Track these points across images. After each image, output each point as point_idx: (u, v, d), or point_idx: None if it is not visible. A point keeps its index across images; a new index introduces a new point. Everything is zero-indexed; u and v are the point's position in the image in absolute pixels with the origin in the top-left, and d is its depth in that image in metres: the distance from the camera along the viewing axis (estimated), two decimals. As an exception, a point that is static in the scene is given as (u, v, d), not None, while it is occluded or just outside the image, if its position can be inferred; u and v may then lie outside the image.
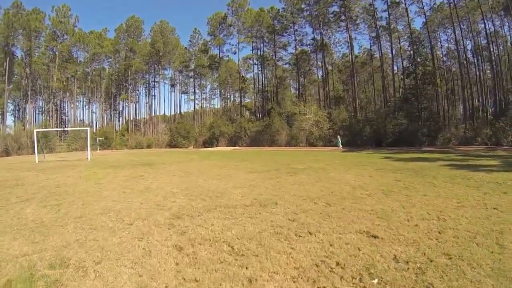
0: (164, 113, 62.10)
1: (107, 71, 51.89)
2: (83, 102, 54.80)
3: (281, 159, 14.40)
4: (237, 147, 32.91)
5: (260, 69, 46.19)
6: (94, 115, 55.30)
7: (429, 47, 30.78)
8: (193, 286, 2.26)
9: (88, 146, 19.45)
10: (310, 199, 5.06)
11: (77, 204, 5.14)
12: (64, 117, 48.43)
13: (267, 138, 33.12)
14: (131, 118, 50.46)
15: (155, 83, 51.61)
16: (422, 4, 31.17)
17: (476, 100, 33.38)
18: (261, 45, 44.62)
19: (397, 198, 4.99)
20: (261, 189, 6.17)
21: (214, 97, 61.91)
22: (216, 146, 35.41)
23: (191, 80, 54.18)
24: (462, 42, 31.49)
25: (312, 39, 40.05)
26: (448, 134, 25.72)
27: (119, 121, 55.19)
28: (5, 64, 38.41)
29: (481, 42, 32.51)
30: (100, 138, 33.92)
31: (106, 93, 52.01)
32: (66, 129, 36.07)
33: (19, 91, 43.90)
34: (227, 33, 46.42)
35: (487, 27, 30.10)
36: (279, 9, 41.06)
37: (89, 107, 55.40)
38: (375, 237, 3.14)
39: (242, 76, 49.33)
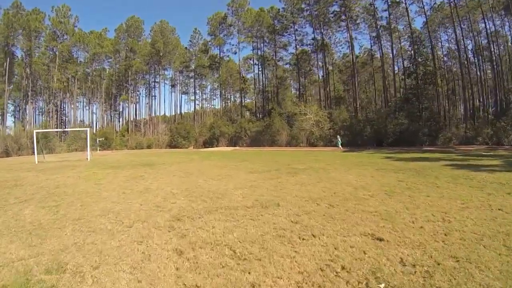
0: (165, 113, 62.34)
1: (107, 72, 51.87)
2: (83, 102, 54.93)
3: (282, 159, 14.34)
4: (237, 147, 32.86)
5: (260, 69, 46.21)
6: (94, 115, 55.44)
7: (430, 47, 30.74)
8: (194, 291, 2.19)
9: (88, 147, 19.41)
10: (312, 200, 4.99)
11: (76, 205, 5.08)
12: (64, 117, 48.42)
13: (268, 138, 33.07)
14: (131, 119, 50.48)
15: (156, 84, 51.64)
16: (423, 3, 31.16)
17: (477, 100, 33.32)
18: (262, 45, 44.58)
19: (400, 199, 4.93)
20: (262, 190, 6.10)
21: (214, 97, 62.14)
22: (217, 147, 35.36)
23: (192, 80, 54.17)
24: (462, 42, 31.48)
25: (313, 39, 40.04)
26: (449, 134, 25.70)
27: (119, 121, 55.23)
28: (5, 64, 38.43)
29: (481, 42, 32.51)
30: (100, 139, 33.87)
31: (106, 94, 52.00)
32: (66, 129, 36.05)
33: (19, 92, 43.91)
34: (227, 33, 46.40)
35: (487, 26, 30.14)
36: (279, 9, 41.05)
37: (89, 108, 55.51)
38: (381, 239, 3.07)
39: (243, 76, 49.30)
